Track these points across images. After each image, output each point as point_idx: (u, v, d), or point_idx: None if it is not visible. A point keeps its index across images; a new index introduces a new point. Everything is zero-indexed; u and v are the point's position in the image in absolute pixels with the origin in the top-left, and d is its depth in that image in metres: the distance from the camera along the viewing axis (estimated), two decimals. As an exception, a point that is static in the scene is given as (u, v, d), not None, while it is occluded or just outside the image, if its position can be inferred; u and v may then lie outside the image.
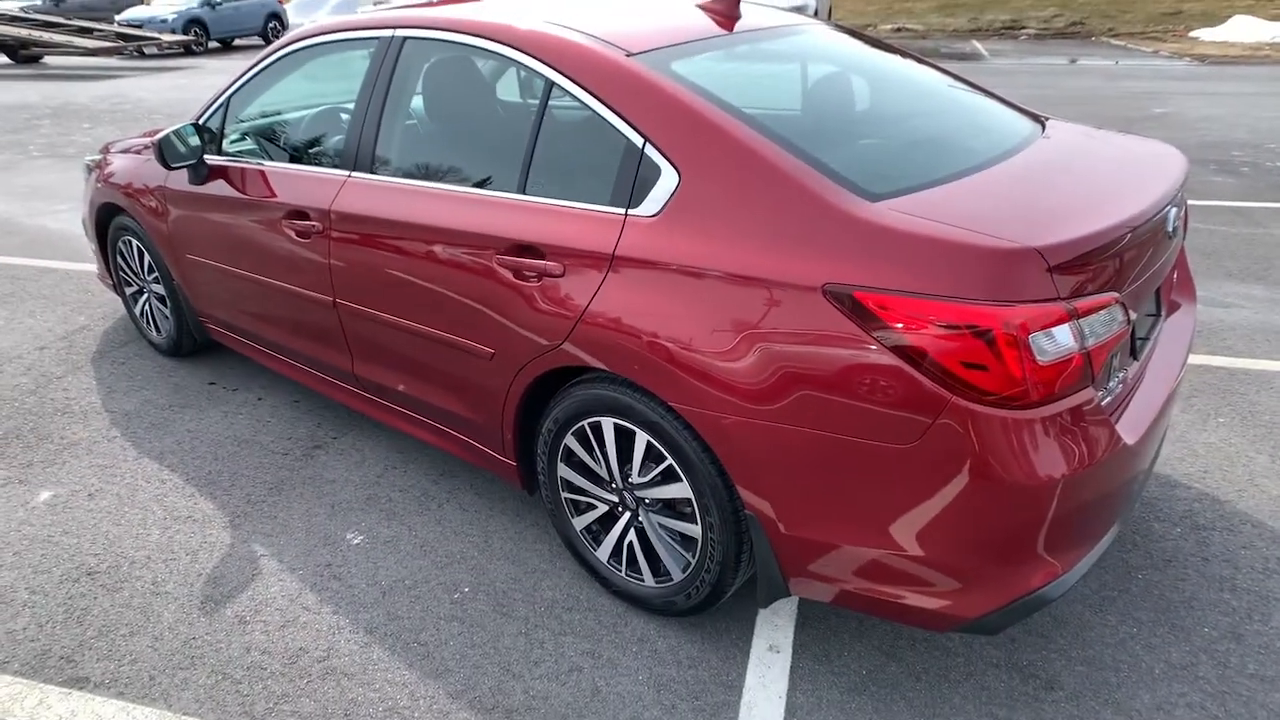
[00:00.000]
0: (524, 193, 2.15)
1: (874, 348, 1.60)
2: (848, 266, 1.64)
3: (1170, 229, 1.93)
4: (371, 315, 2.56)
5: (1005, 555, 1.65)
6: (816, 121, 2.12)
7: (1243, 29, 16.38)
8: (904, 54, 2.70)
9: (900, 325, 1.58)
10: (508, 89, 2.25)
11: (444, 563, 2.46)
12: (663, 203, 1.89)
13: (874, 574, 1.77)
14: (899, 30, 21.06)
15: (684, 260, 1.82)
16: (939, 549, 1.67)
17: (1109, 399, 1.77)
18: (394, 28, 2.52)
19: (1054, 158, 2.08)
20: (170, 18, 18.43)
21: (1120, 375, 1.82)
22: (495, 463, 2.45)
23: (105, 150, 3.87)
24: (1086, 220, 1.67)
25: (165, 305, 3.68)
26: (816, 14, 16.85)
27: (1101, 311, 1.63)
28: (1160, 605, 2.24)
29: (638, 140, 1.94)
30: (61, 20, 17.47)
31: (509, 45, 2.21)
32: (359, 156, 2.56)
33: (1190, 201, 5.93)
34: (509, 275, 2.13)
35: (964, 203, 1.74)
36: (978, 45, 18.11)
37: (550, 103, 2.13)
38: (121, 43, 16.85)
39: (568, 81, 2.08)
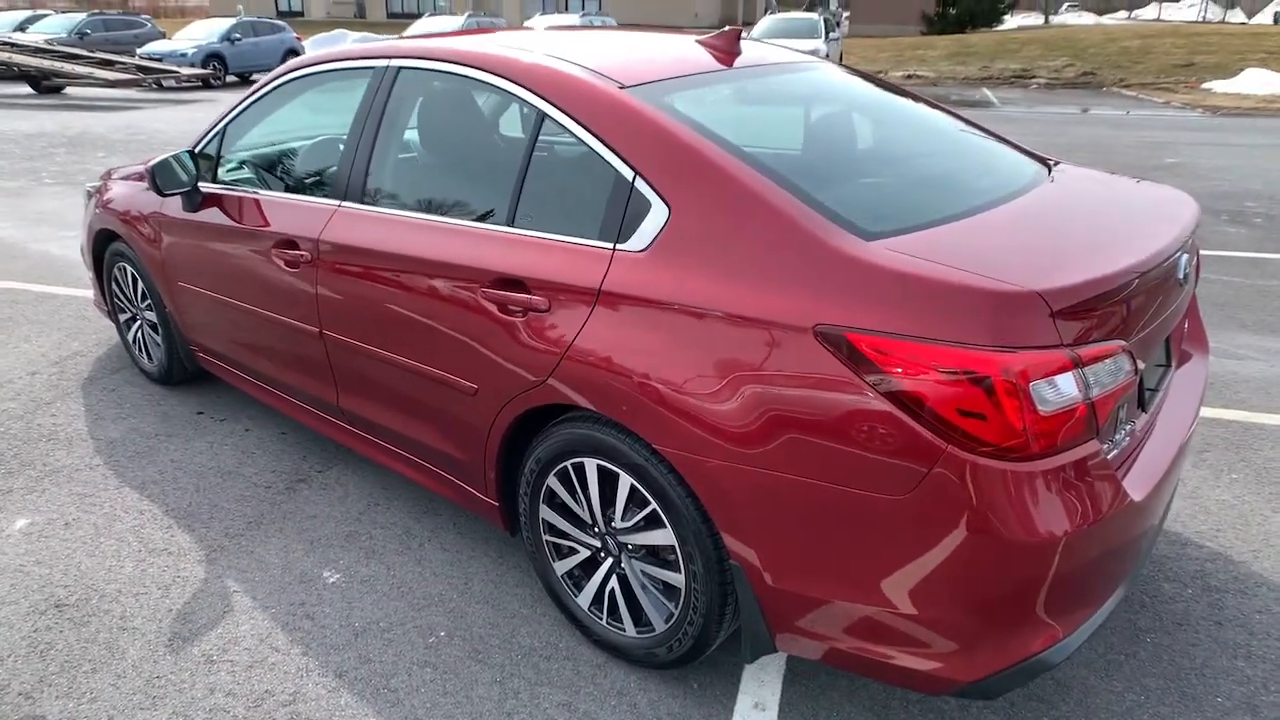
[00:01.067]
0: (512, 225, 2.10)
1: (866, 392, 1.53)
2: (840, 307, 1.57)
3: (1181, 276, 1.86)
4: (357, 347, 2.50)
5: (1004, 616, 1.55)
6: (814, 159, 2.07)
7: (1256, 81, 16.43)
8: (909, 95, 2.66)
9: (894, 369, 1.50)
10: (499, 121, 2.21)
11: (421, 605, 2.37)
12: (652, 237, 1.83)
13: (865, 632, 1.67)
14: (910, 77, 21.27)
15: (672, 297, 1.76)
16: (934, 608, 1.57)
17: (1115, 452, 1.68)
18: (389, 58, 2.50)
19: (1061, 201, 2.02)
20: (190, 52, 18.79)
21: (1128, 428, 1.73)
22: (477, 502, 2.37)
23: (106, 177, 3.87)
24: (1092, 265, 1.60)
25: (157, 333, 3.64)
26: (828, 58, 17.06)
27: (1107, 360, 1.55)
28: (1170, 672, 2.12)
29: (628, 173, 1.90)
30: (84, 53, 17.83)
31: (501, 76, 2.18)
32: (349, 186, 2.52)
33: (1203, 252, 5.86)
34: (494, 309, 2.07)
35: (965, 244, 1.67)
36: (988, 93, 18.25)
37: (541, 135, 2.09)
38: (141, 75, 17.16)
39: (559, 113, 2.04)
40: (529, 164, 2.10)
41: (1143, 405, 1.87)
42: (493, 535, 2.68)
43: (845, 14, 37.79)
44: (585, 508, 2.06)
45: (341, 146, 2.60)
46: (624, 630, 2.09)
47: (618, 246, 1.88)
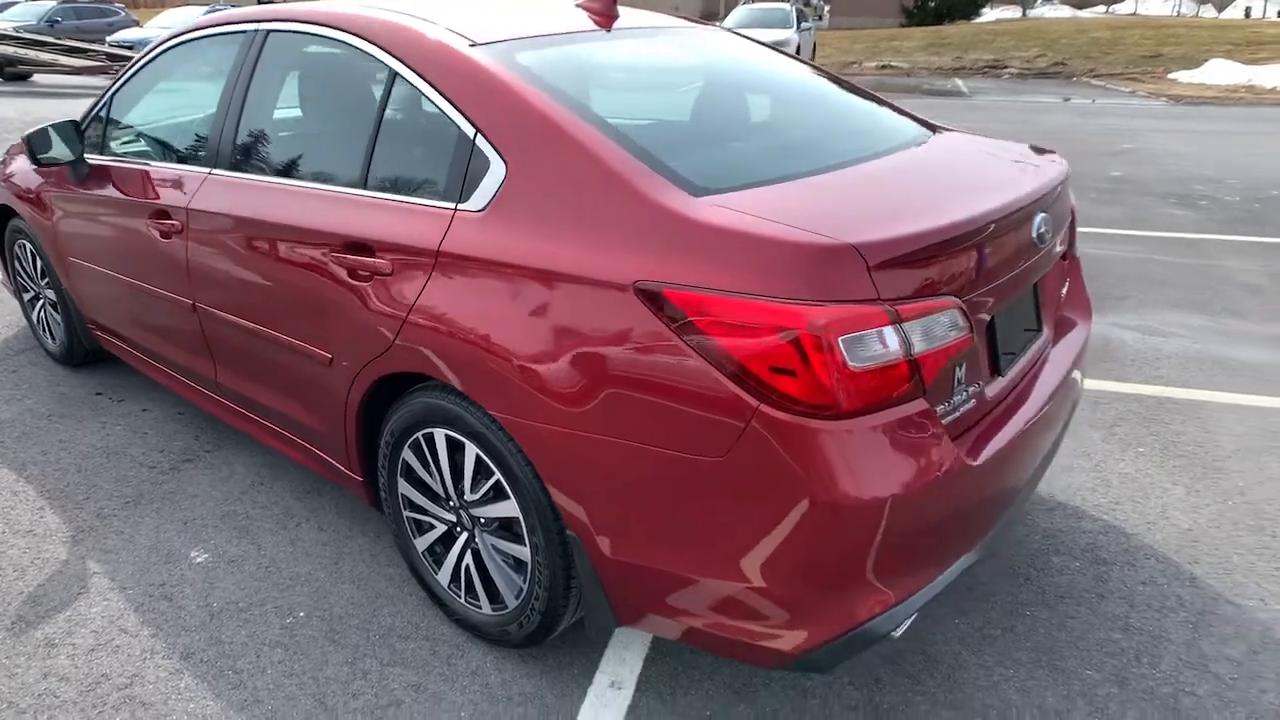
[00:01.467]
0: (365, 187, 2.02)
1: (683, 350, 1.46)
2: (658, 263, 1.50)
3: (1035, 237, 1.80)
4: (226, 319, 2.41)
5: (827, 584, 1.49)
6: (668, 117, 2.00)
7: (1219, 72, 16.51)
8: (805, 63, 2.59)
9: (709, 326, 1.44)
10: (355, 81, 2.13)
11: (286, 585, 2.29)
12: (490, 196, 1.76)
13: (698, 604, 1.61)
14: (884, 68, 21.25)
15: (505, 257, 1.69)
16: (760, 575, 1.51)
17: (955, 414, 1.62)
18: (258, 21, 2.40)
19: (922, 162, 1.96)
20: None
21: (972, 389, 1.67)
22: (345, 478, 2.29)
23: (9, 152, 3.74)
24: (920, 220, 1.53)
25: (58, 311, 3.53)
26: (799, 50, 16.97)
27: (934, 316, 1.49)
28: (1045, 645, 2.08)
29: (470, 131, 1.82)
30: (50, 39, 17.48)
31: (356, 35, 2.09)
32: (220, 153, 2.43)
33: (1147, 233, 5.84)
34: (344, 274, 1.99)
35: (798, 200, 1.61)
36: (959, 83, 18.25)
37: (393, 94, 2.01)
38: (110, 63, 16.85)
39: (408, 70, 1.95)
40: (381, 124, 2.01)
41: (998, 369, 1.81)
42: (372, 514, 2.60)
43: (826, 7, 37.73)
44: (439, 481, 1.99)
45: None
46: (480, 607, 2.02)
47: (459, 207, 1.81)
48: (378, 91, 2.02)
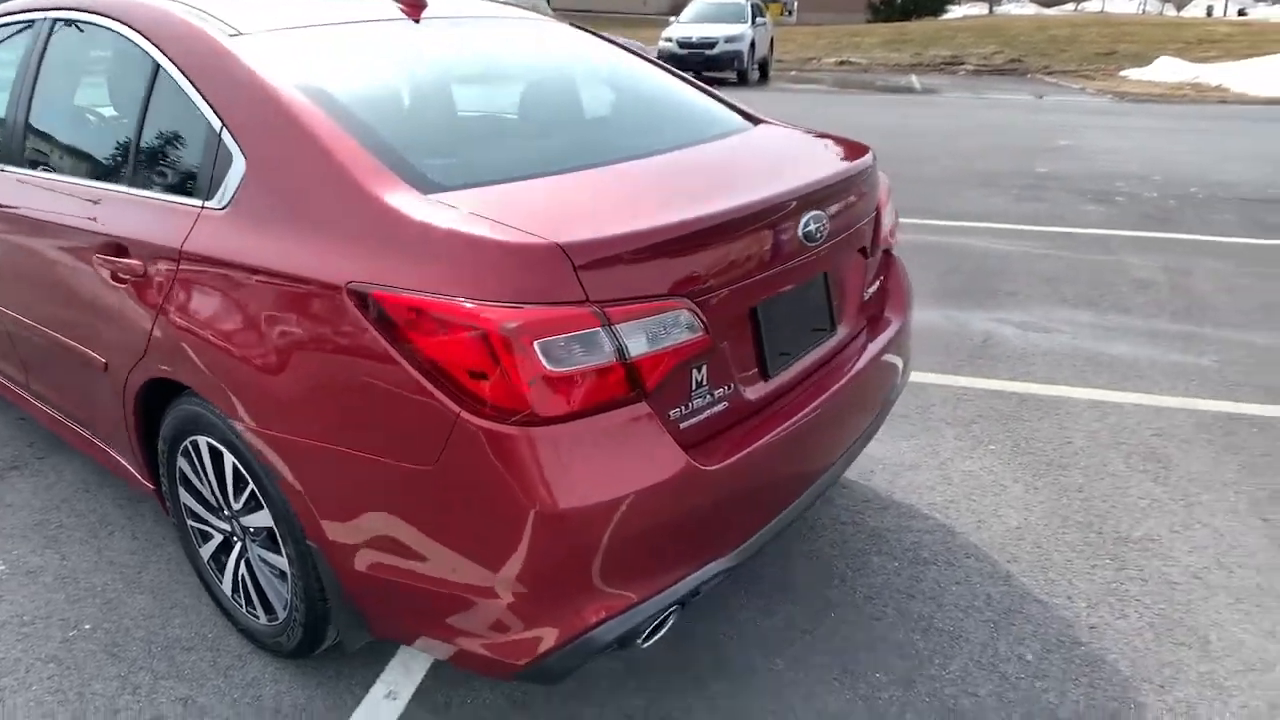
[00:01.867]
0: (129, 184, 1.95)
1: (389, 354, 1.41)
2: (370, 263, 1.45)
3: (804, 234, 1.76)
4: (21, 321, 2.33)
5: (550, 592, 1.45)
6: (431, 109, 1.94)
7: (1167, 69, 16.72)
8: (629, 51, 2.54)
9: (410, 329, 1.39)
10: (124, 72, 2.05)
11: (79, 596, 2.21)
12: (232, 193, 1.69)
13: (434, 616, 1.56)
14: (842, 63, 21.32)
15: (239, 257, 1.63)
16: (483, 585, 1.46)
17: (697, 418, 1.58)
18: (46, 10, 2.32)
19: (703, 158, 1.92)
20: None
21: (720, 392, 1.63)
22: (141, 485, 2.22)
23: None
24: (649, 218, 1.49)
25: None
26: (754, 45, 16.97)
27: (657, 318, 1.45)
28: (841, 647, 2.05)
29: (217, 124, 1.75)
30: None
31: (123, 24, 2.02)
32: (10, 148, 2.35)
33: (1057, 229, 5.87)
34: (107, 276, 1.92)
35: (534, 197, 1.56)
36: (914, 79, 18.35)
37: (156, 86, 1.93)
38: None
39: (167, 61, 1.89)
40: (145, 118, 1.94)
41: (765, 372, 1.77)
42: (191, 521, 2.53)
43: (795, 2, 37.77)
44: (209, 489, 1.93)
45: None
46: (259, 618, 1.96)
47: (205, 205, 1.74)
48: (142, 83, 1.95)
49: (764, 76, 17.89)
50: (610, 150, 1.86)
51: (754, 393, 1.73)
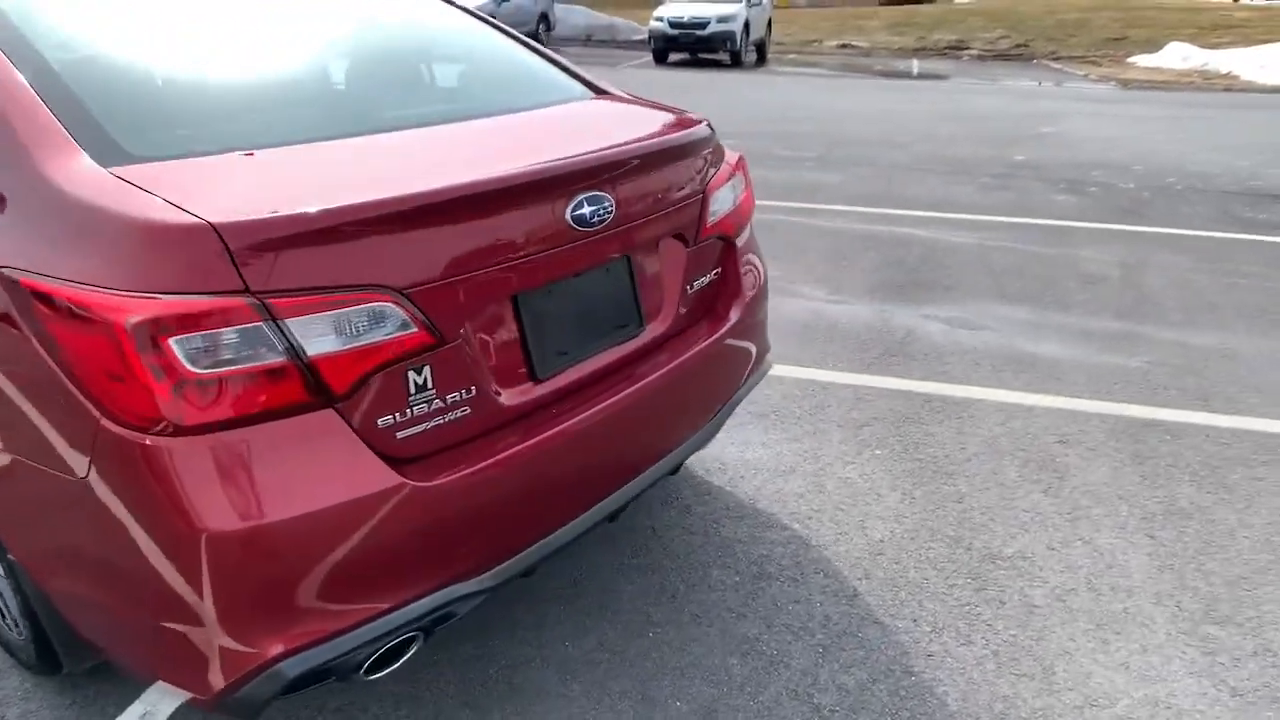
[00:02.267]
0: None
1: (35, 350, 1.25)
2: (24, 244, 1.29)
3: (573, 216, 1.57)
4: None
5: (225, 620, 1.29)
6: (188, 73, 1.74)
7: (1175, 55, 16.25)
8: (479, 18, 2.35)
9: (52, 321, 1.23)
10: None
11: None
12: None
13: (133, 641, 1.41)
14: (844, 46, 20.90)
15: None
16: (162, 612, 1.31)
17: (423, 426, 1.41)
18: None
19: (498, 129, 1.77)
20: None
21: (455, 397, 1.46)
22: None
23: None
24: (357, 194, 1.32)
25: None
26: (749, 25, 16.60)
27: (345, 311, 1.28)
28: (649, 671, 1.89)
29: None
30: None
31: None
32: None
33: (1021, 220, 5.63)
34: None
35: (249, 171, 1.40)
36: (914, 64, 17.94)
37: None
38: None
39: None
40: None
41: (533, 373, 1.60)
42: None
43: (807, -17, 37.18)
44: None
45: None
46: (13, 631, 1.82)
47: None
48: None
49: (761, 59, 17.53)
50: (388, 120, 1.70)
51: (515, 397, 1.56)
